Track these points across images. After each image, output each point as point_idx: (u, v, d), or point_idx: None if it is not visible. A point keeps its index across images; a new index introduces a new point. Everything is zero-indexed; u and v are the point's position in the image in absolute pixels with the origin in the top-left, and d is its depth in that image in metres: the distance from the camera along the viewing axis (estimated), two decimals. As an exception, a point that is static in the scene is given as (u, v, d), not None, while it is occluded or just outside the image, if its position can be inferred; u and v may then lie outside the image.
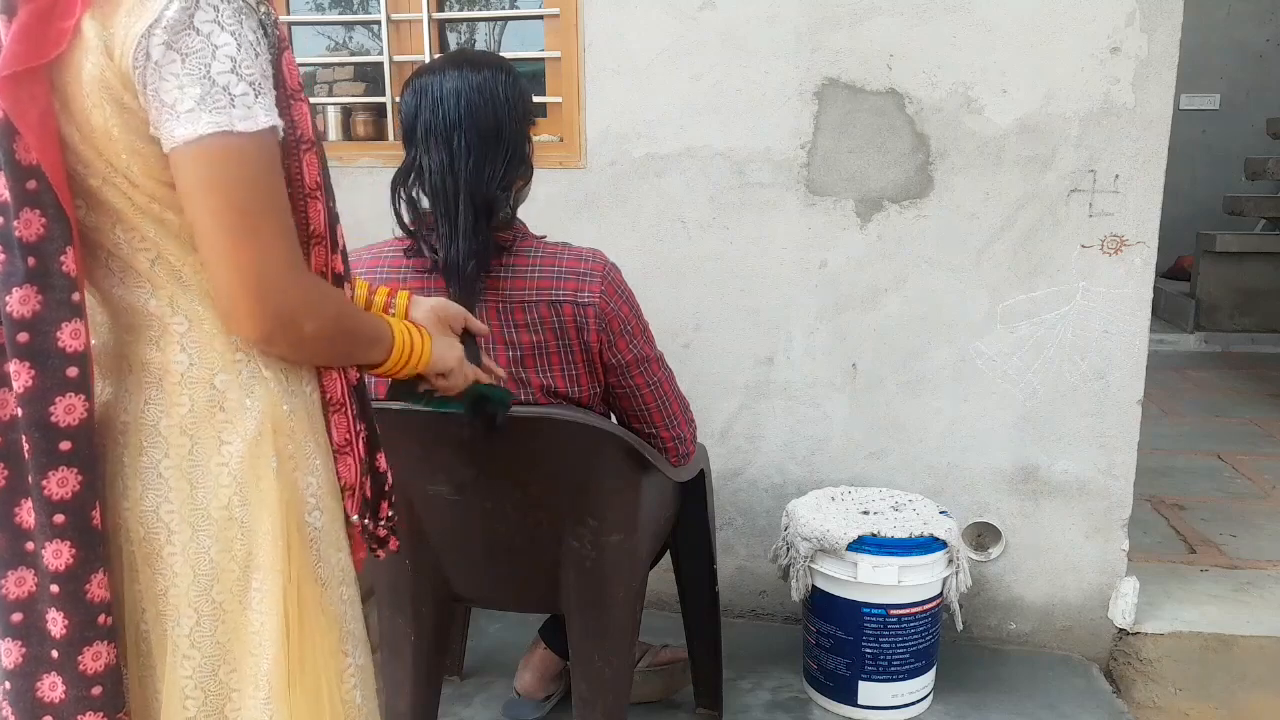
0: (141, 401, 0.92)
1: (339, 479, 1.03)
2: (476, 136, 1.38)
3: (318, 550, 0.98)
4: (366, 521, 1.07)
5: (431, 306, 1.22)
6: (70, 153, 0.86)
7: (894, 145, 2.17)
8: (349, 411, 1.03)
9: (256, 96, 0.84)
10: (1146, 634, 2.21)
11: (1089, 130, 2.08)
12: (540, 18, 2.34)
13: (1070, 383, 2.19)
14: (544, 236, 1.51)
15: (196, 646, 0.92)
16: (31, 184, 0.84)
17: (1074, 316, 2.16)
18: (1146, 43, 2.02)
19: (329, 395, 1.02)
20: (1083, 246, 2.13)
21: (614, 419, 1.58)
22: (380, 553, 1.12)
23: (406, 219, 1.46)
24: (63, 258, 0.85)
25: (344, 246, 1.02)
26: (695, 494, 1.87)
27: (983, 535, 2.31)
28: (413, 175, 1.43)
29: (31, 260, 0.84)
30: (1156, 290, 2.93)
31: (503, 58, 1.49)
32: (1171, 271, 5.99)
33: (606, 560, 1.57)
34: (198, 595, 0.92)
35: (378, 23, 2.42)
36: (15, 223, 0.83)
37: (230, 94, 0.83)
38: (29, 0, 0.82)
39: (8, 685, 0.90)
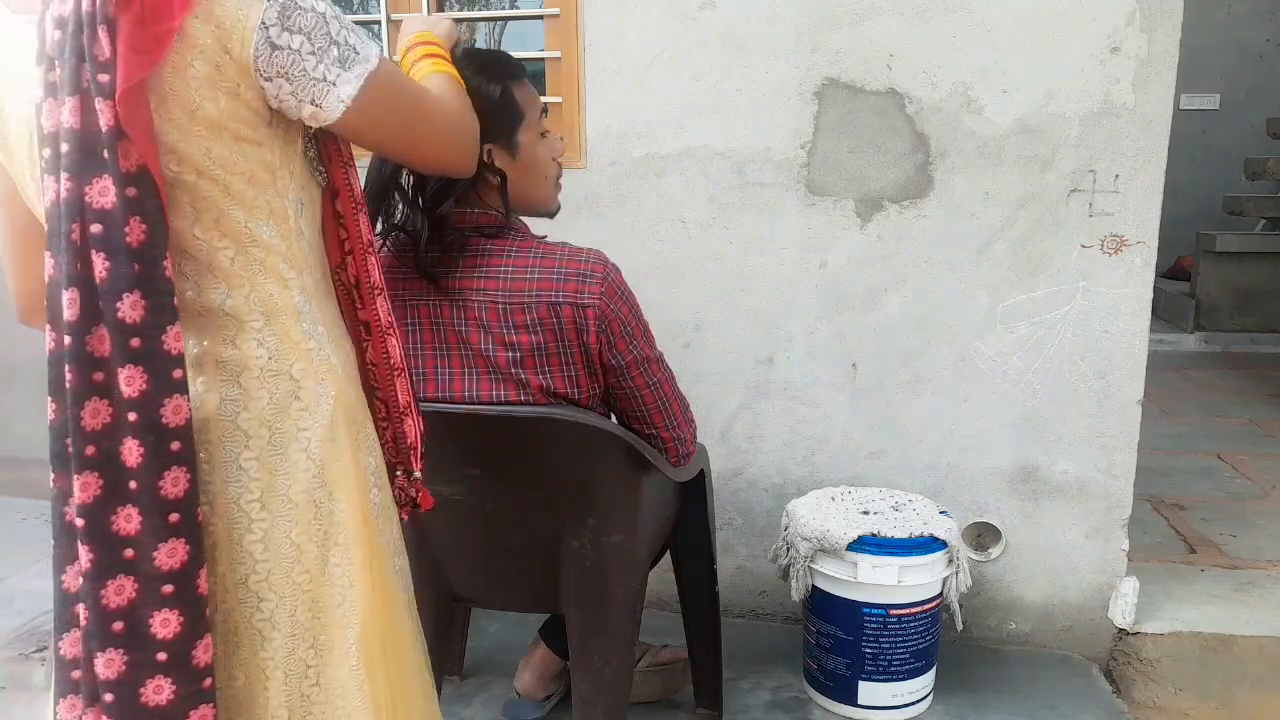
0: (217, 399, 0.95)
1: (405, 440, 1.12)
2: None
3: (378, 525, 1.04)
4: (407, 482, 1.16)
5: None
6: (166, 153, 0.88)
7: (894, 145, 2.17)
8: (408, 375, 1.13)
9: (360, 39, 0.97)
10: (1146, 634, 2.21)
11: (1089, 130, 2.08)
12: (540, 18, 2.34)
13: (1070, 383, 2.19)
14: (544, 237, 1.51)
15: (277, 628, 0.96)
16: (131, 190, 0.86)
17: (1074, 316, 2.16)
18: (1146, 43, 2.02)
19: (392, 359, 1.11)
20: (1083, 246, 2.13)
21: (614, 420, 1.58)
22: (411, 512, 1.20)
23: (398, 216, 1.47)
24: (165, 263, 0.88)
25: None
26: (695, 494, 1.87)
27: (983, 535, 2.31)
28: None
29: (137, 266, 0.86)
30: (1156, 290, 2.93)
31: (474, 54, 1.47)
32: (1171, 271, 5.98)
33: (607, 560, 1.57)
34: (279, 578, 0.96)
35: (378, 23, 2.42)
36: (125, 229, 0.85)
37: (351, 46, 0.95)
38: (124, 8, 0.84)
39: (108, 697, 0.89)
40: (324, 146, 1.04)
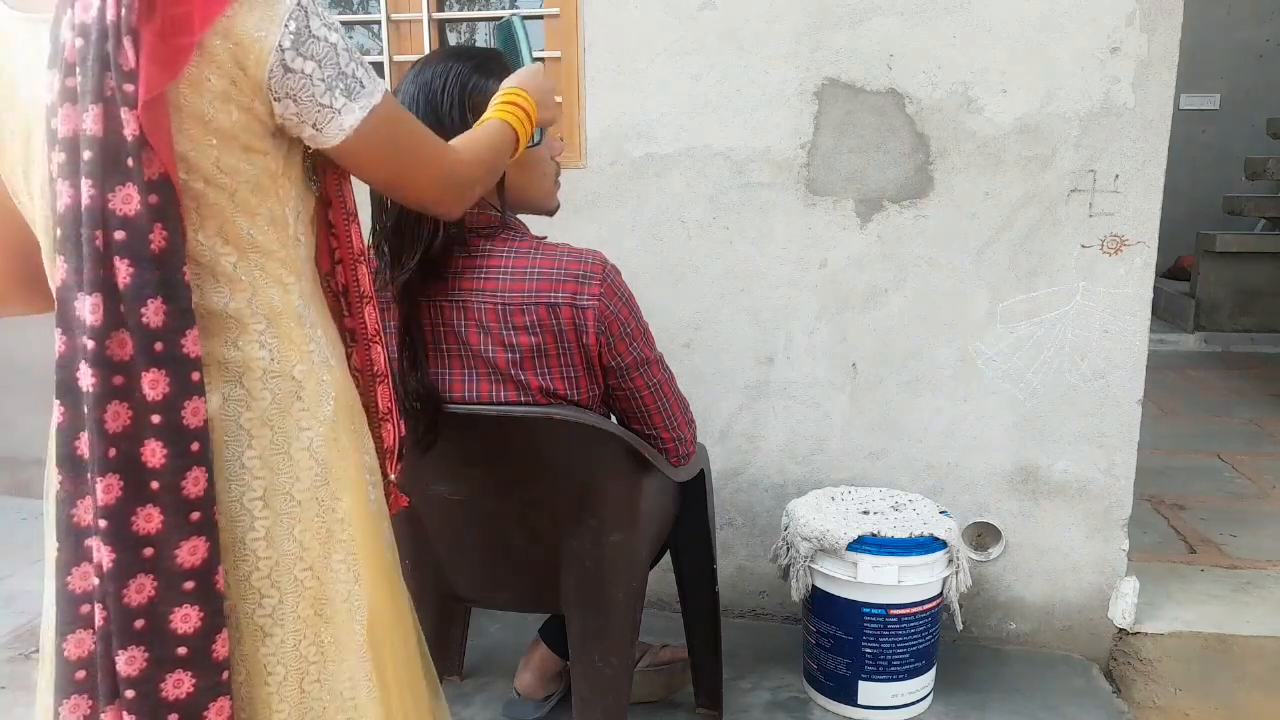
0: (219, 399, 0.96)
1: (382, 444, 1.15)
2: None
3: (376, 522, 1.07)
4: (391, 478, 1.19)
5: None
6: (177, 161, 0.91)
7: (894, 145, 2.17)
8: (390, 381, 1.16)
9: (368, 73, 1.00)
10: (1146, 634, 2.21)
11: (1089, 130, 2.08)
12: (540, 18, 2.34)
13: (1070, 382, 2.19)
14: (544, 237, 1.51)
15: (279, 624, 0.98)
16: (154, 198, 0.88)
17: (1074, 316, 2.16)
18: (1146, 43, 2.02)
19: (376, 367, 1.14)
20: (1083, 246, 2.13)
21: (614, 420, 1.58)
22: (405, 512, 1.22)
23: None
24: (184, 268, 0.91)
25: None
26: (695, 494, 1.87)
27: (983, 535, 2.31)
28: None
29: (158, 272, 0.89)
30: (1156, 290, 2.93)
31: (472, 51, 1.47)
32: (1171, 271, 5.99)
33: (607, 560, 1.57)
34: (282, 575, 0.98)
35: (378, 23, 2.42)
36: (149, 236, 0.88)
37: (359, 79, 0.98)
38: (147, 20, 0.86)
39: (129, 694, 0.91)
40: (321, 157, 1.07)
